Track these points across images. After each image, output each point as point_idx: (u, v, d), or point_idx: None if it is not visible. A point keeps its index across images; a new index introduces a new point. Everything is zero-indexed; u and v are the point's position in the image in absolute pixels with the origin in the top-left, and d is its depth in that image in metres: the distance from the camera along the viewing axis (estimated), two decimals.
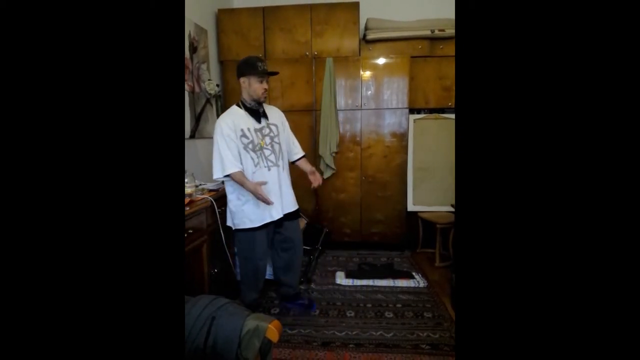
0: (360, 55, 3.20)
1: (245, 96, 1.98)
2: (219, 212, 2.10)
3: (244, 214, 2.00)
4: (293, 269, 2.23)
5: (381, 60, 3.18)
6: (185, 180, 2.01)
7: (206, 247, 2.01)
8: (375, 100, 3.21)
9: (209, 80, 2.98)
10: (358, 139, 3.27)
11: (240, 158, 1.93)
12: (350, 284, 2.66)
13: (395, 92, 3.18)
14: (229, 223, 2.10)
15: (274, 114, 2.10)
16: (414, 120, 3.33)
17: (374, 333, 2.02)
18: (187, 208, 1.80)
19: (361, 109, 3.23)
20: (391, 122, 3.23)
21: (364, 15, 3.29)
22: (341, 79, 3.19)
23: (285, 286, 2.29)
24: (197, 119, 2.83)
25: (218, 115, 3.18)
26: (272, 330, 1.18)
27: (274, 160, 2.01)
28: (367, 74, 3.19)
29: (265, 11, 3.19)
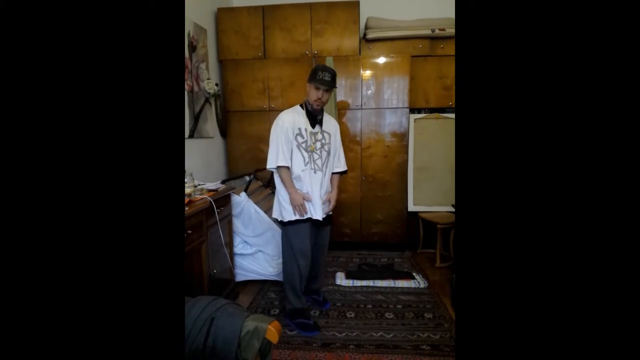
0: (360, 54, 3.19)
1: (307, 100, 2.05)
2: (218, 212, 2.09)
3: (286, 205, 2.07)
4: (319, 265, 2.29)
5: (381, 60, 3.17)
6: (184, 180, 2.00)
7: (205, 248, 2.00)
8: (376, 100, 3.21)
9: (208, 79, 2.97)
10: (358, 138, 3.26)
11: (292, 156, 2.01)
12: (350, 284, 2.65)
13: (396, 92, 3.18)
14: (275, 215, 2.16)
15: (331, 123, 2.15)
16: (415, 120, 3.33)
17: (374, 334, 2.01)
18: (186, 208, 1.79)
19: (361, 109, 3.22)
20: (391, 121, 3.22)
21: (364, 14, 3.29)
22: (341, 78, 3.18)
23: (313, 280, 2.33)
24: (196, 118, 2.82)
25: (217, 115, 3.18)
26: (272, 331, 1.17)
27: (320, 165, 2.07)
28: (367, 74, 3.18)
29: (265, 10, 3.18)
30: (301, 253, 2.07)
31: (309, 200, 2.04)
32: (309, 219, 2.07)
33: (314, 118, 2.06)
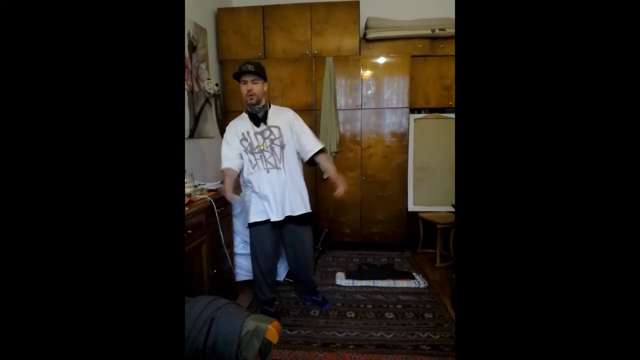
0: (360, 54, 3.19)
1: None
2: (218, 212, 2.09)
3: (249, 209, 2.13)
4: (300, 269, 2.29)
5: (381, 60, 3.17)
6: (185, 180, 2.00)
7: (205, 248, 2.00)
8: (376, 100, 3.21)
9: (208, 79, 2.97)
10: (358, 138, 3.26)
11: (244, 161, 2.07)
12: (350, 284, 2.65)
13: (396, 92, 3.17)
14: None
15: (279, 116, 2.10)
16: (415, 120, 3.32)
17: (374, 334, 2.01)
18: (186, 208, 1.79)
19: (361, 109, 3.22)
20: (391, 121, 3.22)
21: (364, 14, 3.29)
22: (341, 78, 3.18)
23: (301, 283, 2.41)
24: (196, 118, 2.81)
25: (217, 115, 3.18)
26: (272, 331, 1.17)
27: (273, 162, 2.05)
28: (367, 74, 3.18)
29: (264, 10, 3.18)
30: (261, 253, 2.14)
31: (228, 196, 2.01)
32: (268, 221, 2.08)
33: (255, 117, 2.05)
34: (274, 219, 2.06)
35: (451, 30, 3.13)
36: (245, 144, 2.04)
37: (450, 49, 3.18)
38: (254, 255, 2.17)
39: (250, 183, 2.08)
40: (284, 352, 1.86)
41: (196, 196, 2.00)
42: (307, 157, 2.14)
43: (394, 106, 3.20)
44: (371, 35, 3.20)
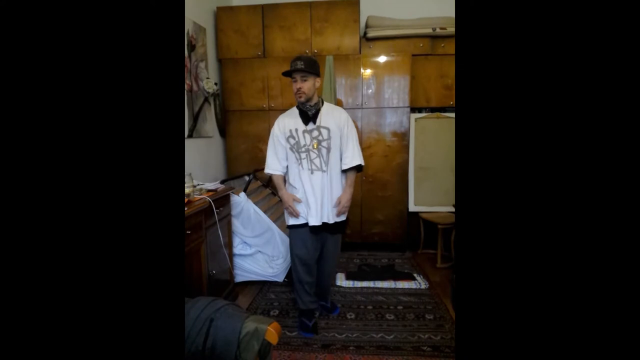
0: (360, 53, 3.17)
1: None
2: (217, 212, 2.07)
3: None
4: (323, 274, 2.16)
5: (382, 59, 3.15)
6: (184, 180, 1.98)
7: (204, 248, 1.99)
8: (376, 99, 3.19)
9: (208, 78, 2.96)
10: (358, 138, 3.24)
11: (289, 158, 1.99)
12: (350, 285, 2.63)
13: (396, 91, 3.16)
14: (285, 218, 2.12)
15: (332, 117, 1.96)
16: (415, 120, 3.31)
17: (375, 335, 1.99)
18: (185, 208, 1.77)
19: (362, 108, 3.20)
20: (392, 121, 3.21)
21: (364, 13, 3.28)
22: (341, 77, 3.17)
23: (317, 286, 2.21)
24: (195, 118, 2.80)
25: (216, 115, 3.16)
26: (271, 332, 1.16)
27: (318, 164, 1.93)
28: (367, 73, 3.16)
29: (264, 9, 3.17)
30: (298, 258, 2.02)
31: (298, 202, 1.96)
32: (306, 224, 1.97)
33: (306, 115, 1.94)
34: (312, 223, 1.95)
35: (452, 29, 3.11)
36: (292, 141, 1.94)
37: (451, 48, 3.16)
38: (293, 260, 2.06)
39: (294, 183, 1.98)
40: (284, 353, 1.84)
41: (195, 196, 1.98)
42: (342, 168, 2.00)
43: (394, 105, 3.18)
44: (372, 34, 3.18)
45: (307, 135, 1.93)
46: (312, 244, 2.01)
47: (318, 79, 1.92)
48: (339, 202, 1.98)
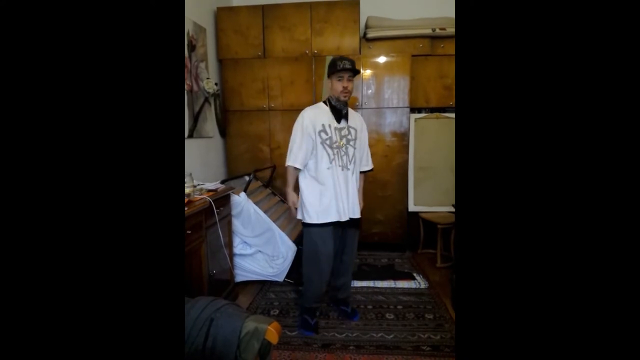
0: (360, 53, 3.17)
1: (330, 95, 2.00)
2: (217, 212, 2.07)
3: (313, 207, 1.97)
4: (341, 273, 2.17)
5: (382, 59, 3.15)
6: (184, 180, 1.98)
7: (204, 248, 1.99)
8: (376, 99, 3.19)
9: (208, 79, 2.96)
10: None
11: (317, 153, 1.95)
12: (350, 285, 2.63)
13: (396, 91, 3.16)
14: (298, 216, 2.06)
15: (356, 118, 2.07)
16: (415, 120, 3.31)
17: (375, 335, 2.00)
18: (186, 208, 1.77)
19: (362, 108, 3.20)
20: (392, 121, 3.21)
21: (364, 14, 3.28)
22: None
23: (333, 289, 2.24)
24: (196, 118, 2.80)
25: (216, 115, 3.16)
26: (272, 332, 1.16)
27: (346, 162, 1.98)
28: (367, 73, 3.16)
29: (264, 9, 3.17)
30: (325, 257, 2.00)
31: (295, 207, 2.02)
32: (332, 223, 1.97)
33: (339, 113, 1.97)
34: (343, 218, 1.97)
35: (452, 30, 3.12)
36: (324, 136, 1.93)
37: (450, 48, 3.16)
38: (316, 257, 2.00)
39: (324, 179, 1.95)
40: (284, 353, 1.84)
41: (195, 196, 1.98)
42: (361, 169, 2.11)
43: (394, 106, 3.18)
44: (371, 34, 3.19)
45: (337, 132, 1.96)
46: (334, 240, 2.03)
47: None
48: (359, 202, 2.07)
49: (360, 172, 2.11)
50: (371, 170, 2.20)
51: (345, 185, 1.97)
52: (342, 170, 1.96)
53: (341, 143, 1.96)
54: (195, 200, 1.92)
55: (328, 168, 1.95)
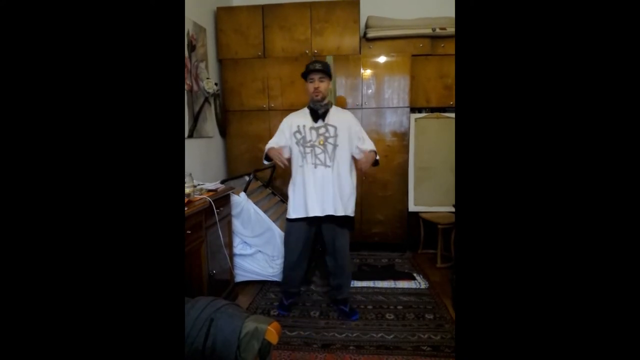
0: (360, 53, 3.17)
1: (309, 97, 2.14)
2: (217, 212, 2.07)
3: (289, 203, 2.17)
4: (338, 271, 2.21)
5: (382, 59, 3.15)
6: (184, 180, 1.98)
7: (204, 248, 1.99)
8: (376, 99, 3.19)
9: (208, 79, 2.96)
10: None
11: (292, 153, 2.13)
12: (350, 285, 2.62)
13: (396, 91, 3.16)
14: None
15: (339, 117, 2.12)
16: (415, 120, 3.31)
17: (375, 335, 1.99)
18: (186, 208, 1.77)
19: (362, 108, 3.20)
20: (392, 121, 3.20)
21: (364, 13, 3.28)
22: (341, 77, 3.17)
23: (332, 289, 2.31)
24: (196, 118, 2.80)
25: (216, 115, 3.16)
26: (272, 332, 1.16)
27: (323, 159, 2.06)
28: (367, 73, 3.16)
29: (264, 9, 3.17)
30: (292, 248, 2.19)
31: (283, 157, 2.05)
32: (305, 218, 2.10)
33: (316, 113, 2.09)
34: (311, 214, 2.07)
35: (452, 30, 3.11)
36: (298, 136, 2.09)
37: (451, 48, 3.16)
38: (286, 248, 2.24)
39: (295, 176, 2.13)
40: (284, 353, 1.84)
41: (195, 196, 1.98)
42: (363, 150, 2.11)
43: (394, 105, 3.18)
44: (371, 34, 3.18)
45: (313, 131, 2.07)
46: (305, 236, 2.17)
47: (330, 82, 2.13)
48: (360, 163, 2.10)
49: (367, 152, 2.07)
50: (374, 151, 2.11)
51: (321, 182, 2.06)
52: (316, 167, 2.06)
53: (320, 141, 2.06)
54: (195, 200, 1.92)
55: (300, 166, 2.09)
